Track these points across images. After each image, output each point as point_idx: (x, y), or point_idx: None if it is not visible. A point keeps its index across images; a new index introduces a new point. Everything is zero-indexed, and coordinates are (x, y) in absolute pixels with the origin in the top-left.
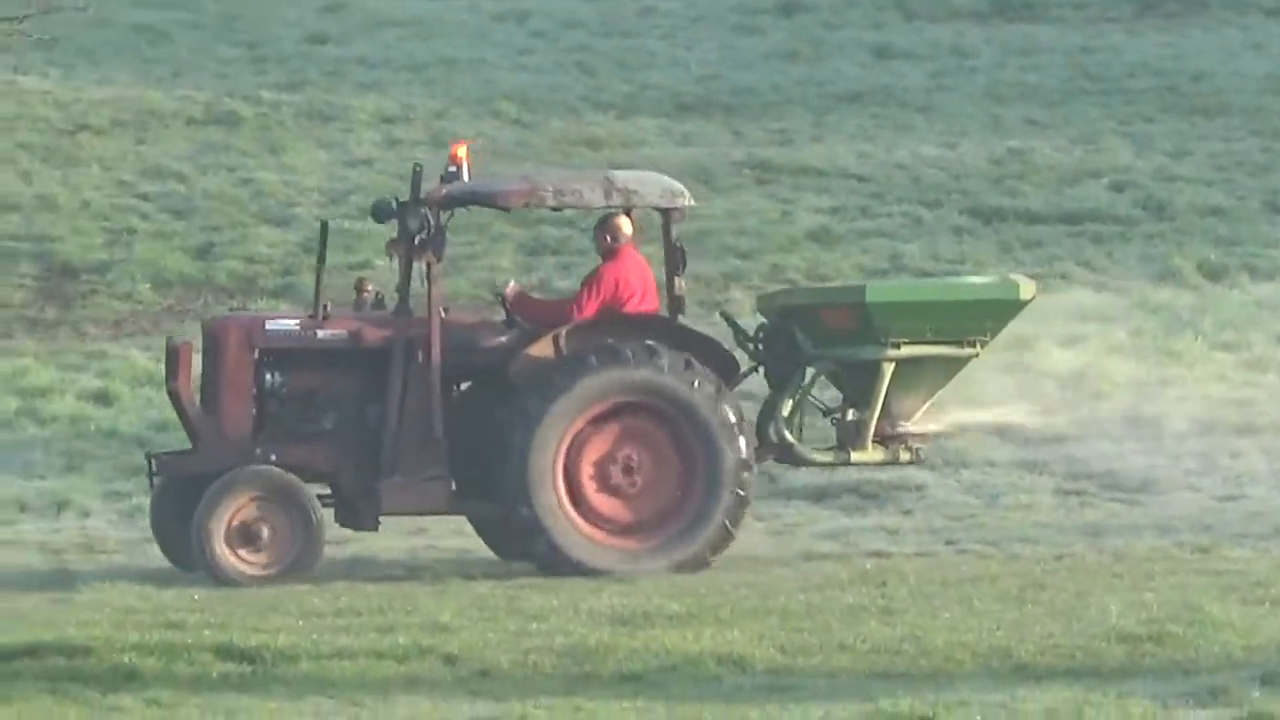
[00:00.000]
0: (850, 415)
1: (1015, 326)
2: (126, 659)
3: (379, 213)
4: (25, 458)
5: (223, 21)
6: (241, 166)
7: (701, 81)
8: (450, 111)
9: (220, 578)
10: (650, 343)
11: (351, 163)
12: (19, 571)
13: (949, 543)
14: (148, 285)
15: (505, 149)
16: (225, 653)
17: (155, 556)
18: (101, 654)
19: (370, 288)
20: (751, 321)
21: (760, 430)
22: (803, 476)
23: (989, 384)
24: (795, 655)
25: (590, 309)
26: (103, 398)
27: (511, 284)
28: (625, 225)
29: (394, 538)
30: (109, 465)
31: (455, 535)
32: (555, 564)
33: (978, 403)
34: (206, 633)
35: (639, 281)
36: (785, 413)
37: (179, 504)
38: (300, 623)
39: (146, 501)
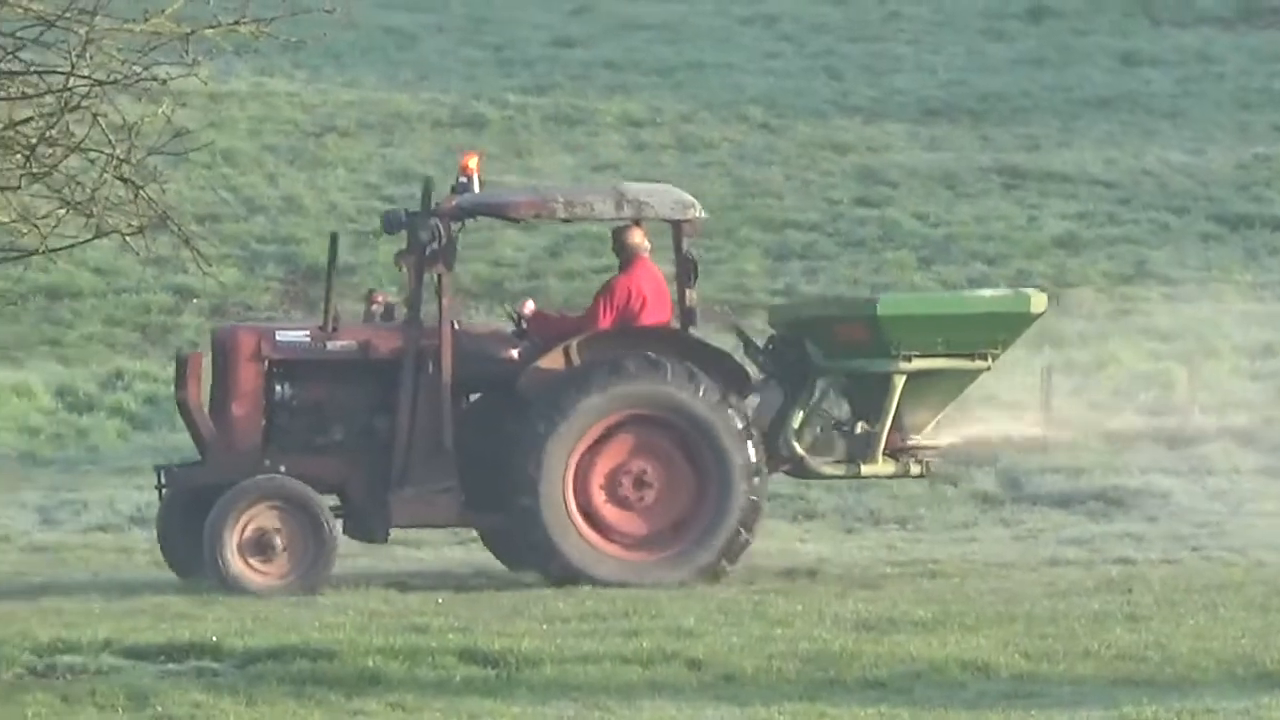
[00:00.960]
0: (860, 428)
1: (1262, 334)
2: (370, 662)
3: (389, 224)
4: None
5: (470, 24)
6: (488, 170)
7: (948, 86)
8: (697, 115)
9: (232, 587)
10: (652, 354)
11: (598, 166)
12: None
13: (1194, 549)
14: (394, 288)
15: (752, 153)
16: (469, 656)
17: (400, 559)
18: (345, 657)
19: (381, 298)
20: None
21: (770, 443)
22: (1049, 483)
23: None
24: (1040, 661)
25: (605, 321)
26: None
27: (529, 304)
28: (639, 237)
29: None
30: None
31: None
32: (566, 577)
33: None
34: (451, 636)
35: (652, 293)
36: (796, 425)
37: (186, 516)
38: (544, 627)
39: None
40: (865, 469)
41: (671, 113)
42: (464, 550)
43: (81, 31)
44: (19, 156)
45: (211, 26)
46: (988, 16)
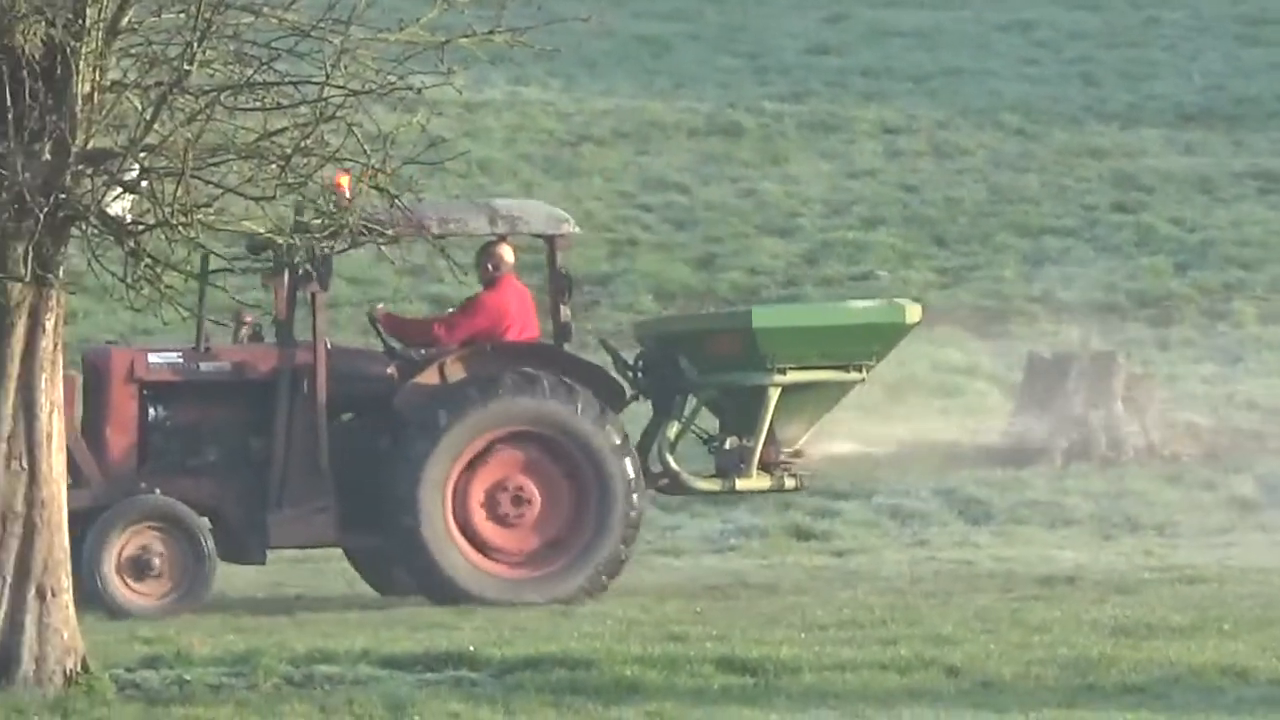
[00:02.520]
0: (730, 443)
1: None
2: (628, 671)
3: (253, 246)
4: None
5: (725, 32)
6: (744, 178)
7: (1205, 92)
8: (953, 122)
9: (112, 609)
10: (529, 370)
11: (854, 174)
12: None
13: None
14: (650, 296)
15: (1008, 159)
16: (727, 665)
17: (656, 567)
18: (603, 666)
19: (249, 319)
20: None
21: (643, 459)
22: None
23: None
24: None
25: (461, 331)
26: None
27: (380, 306)
28: (507, 254)
29: (898, 550)
30: None
31: (956, 547)
32: (445, 596)
33: None
34: (708, 645)
35: (519, 310)
36: (672, 439)
37: None
38: (803, 635)
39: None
40: (740, 484)
41: (927, 119)
42: (720, 559)
43: (336, 41)
44: (274, 167)
45: (466, 36)
46: (1244, 22)
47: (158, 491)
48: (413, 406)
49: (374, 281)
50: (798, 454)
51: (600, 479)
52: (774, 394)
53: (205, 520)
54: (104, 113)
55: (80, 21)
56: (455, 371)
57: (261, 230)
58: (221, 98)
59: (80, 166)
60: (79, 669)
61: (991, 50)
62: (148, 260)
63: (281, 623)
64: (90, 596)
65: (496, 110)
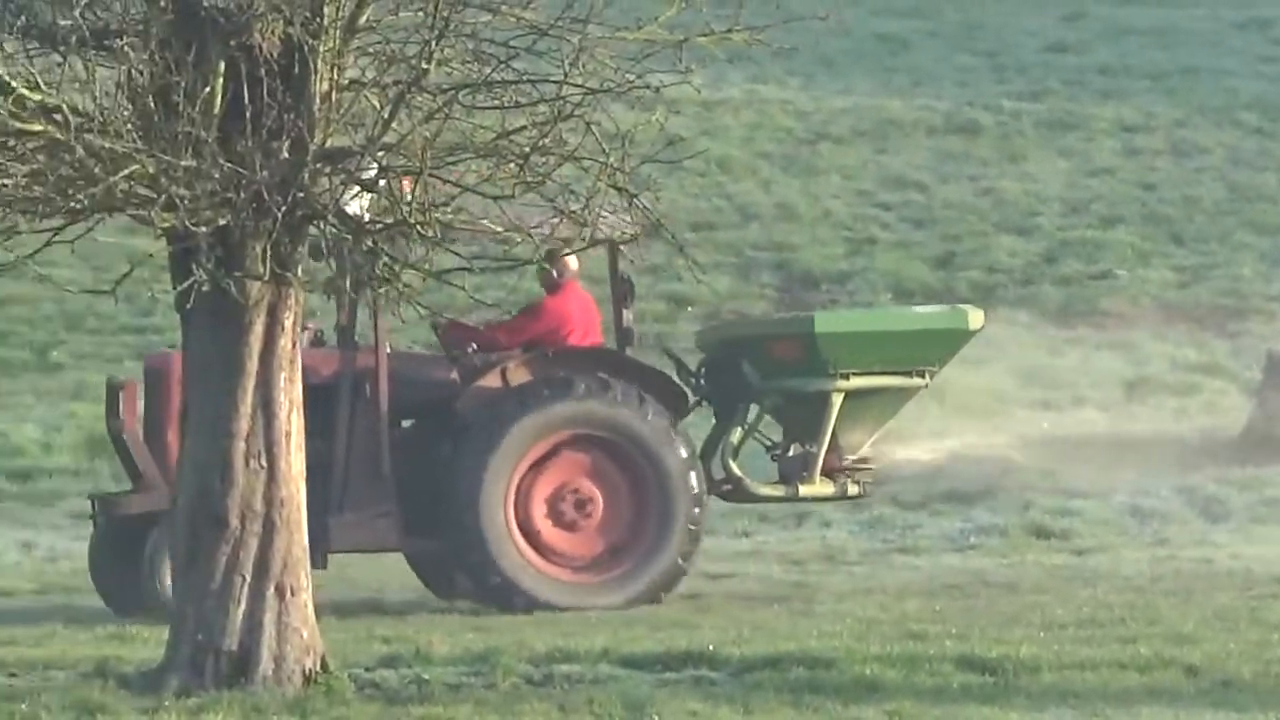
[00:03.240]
0: (793, 449)
1: None
2: (868, 670)
3: (314, 252)
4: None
5: (963, 30)
6: (982, 176)
7: None
8: (1191, 120)
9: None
10: (603, 375)
11: (1092, 171)
12: (761, 582)
13: None
14: (888, 295)
15: (1246, 157)
16: (966, 664)
17: (896, 566)
18: (843, 665)
19: (310, 325)
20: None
21: (706, 465)
22: None
23: None
24: None
25: (523, 336)
26: None
27: (444, 316)
28: (571, 259)
29: (1137, 548)
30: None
31: (1196, 545)
32: (506, 601)
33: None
34: (948, 643)
35: (582, 316)
36: (735, 445)
37: (118, 545)
38: (1042, 634)
39: (879, 514)
40: (803, 490)
41: (1165, 118)
42: (960, 558)
43: (574, 40)
44: (512, 165)
45: (704, 34)
46: None
47: None
48: (475, 410)
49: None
50: (863, 460)
51: (664, 489)
52: (837, 400)
53: None
54: (342, 111)
55: (318, 20)
56: (517, 375)
57: (499, 229)
58: (459, 96)
59: (318, 165)
60: (318, 668)
61: (1228, 48)
62: (385, 259)
63: (520, 621)
64: (150, 600)
65: (735, 108)
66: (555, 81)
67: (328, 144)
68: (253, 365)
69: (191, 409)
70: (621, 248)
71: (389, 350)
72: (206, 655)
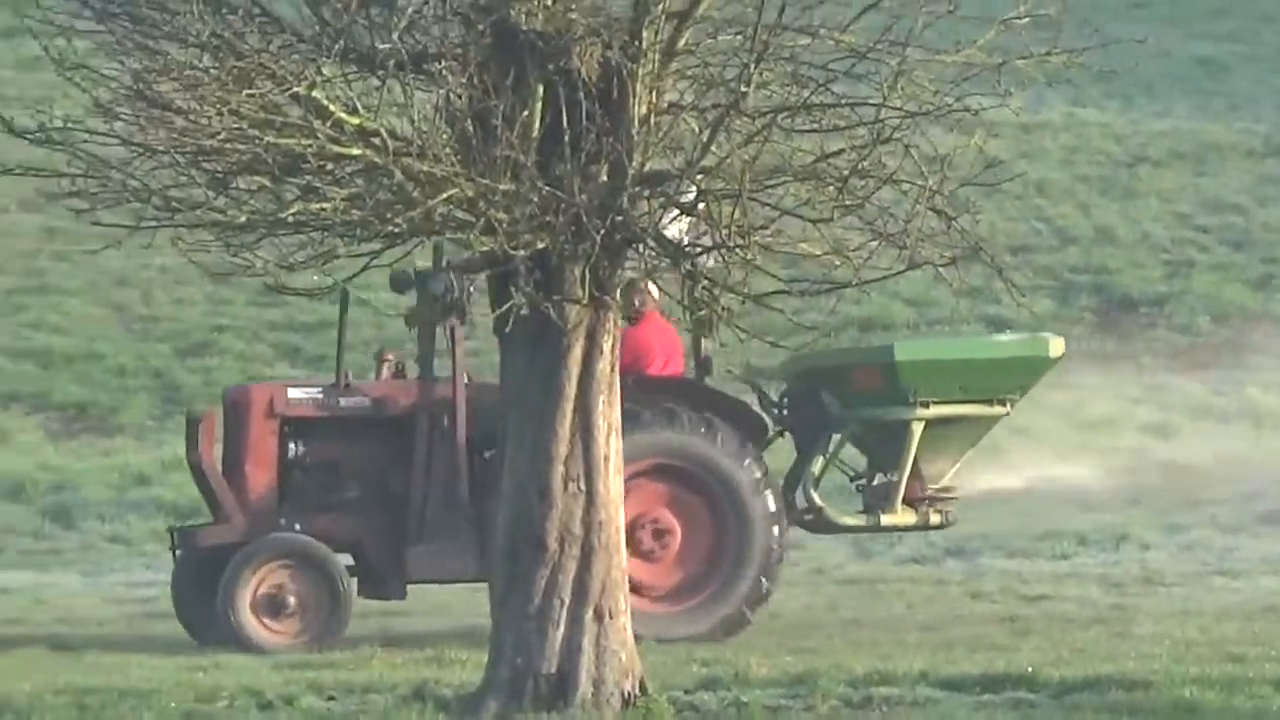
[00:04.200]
0: (876, 479)
1: None
2: (1186, 693)
3: (398, 284)
4: (1085, 490)
5: None
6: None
7: None
8: None
9: (246, 647)
10: (669, 405)
11: None
12: (1080, 604)
13: None
14: (1207, 318)
15: None
16: None
17: (1218, 587)
18: (1161, 688)
19: (390, 357)
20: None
21: (788, 495)
22: None
23: None
24: None
25: None
26: (1162, 430)
27: None
28: (652, 289)
29: None
30: (1170, 498)
31: None
32: None
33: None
34: (1267, 666)
35: (663, 346)
36: (816, 475)
37: (200, 577)
38: None
39: (1198, 536)
40: (885, 520)
41: None
42: (1276, 580)
43: (893, 63)
44: (831, 189)
45: (1023, 57)
46: None
47: (298, 528)
48: None
49: (930, 303)
50: (946, 489)
51: (739, 513)
52: (917, 428)
53: (342, 559)
54: (660, 135)
55: (637, 43)
56: None
57: (818, 252)
58: (778, 119)
59: (637, 189)
60: (636, 691)
61: None
62: (705, 282)
63: (838, 644)
64: (225, 633)
65: (1053, 131)
66: (874, 105)
67: (646, 167)
68: (571, 389)
69: (510, 432)
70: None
71: (468, 381)
72: (525, 679)
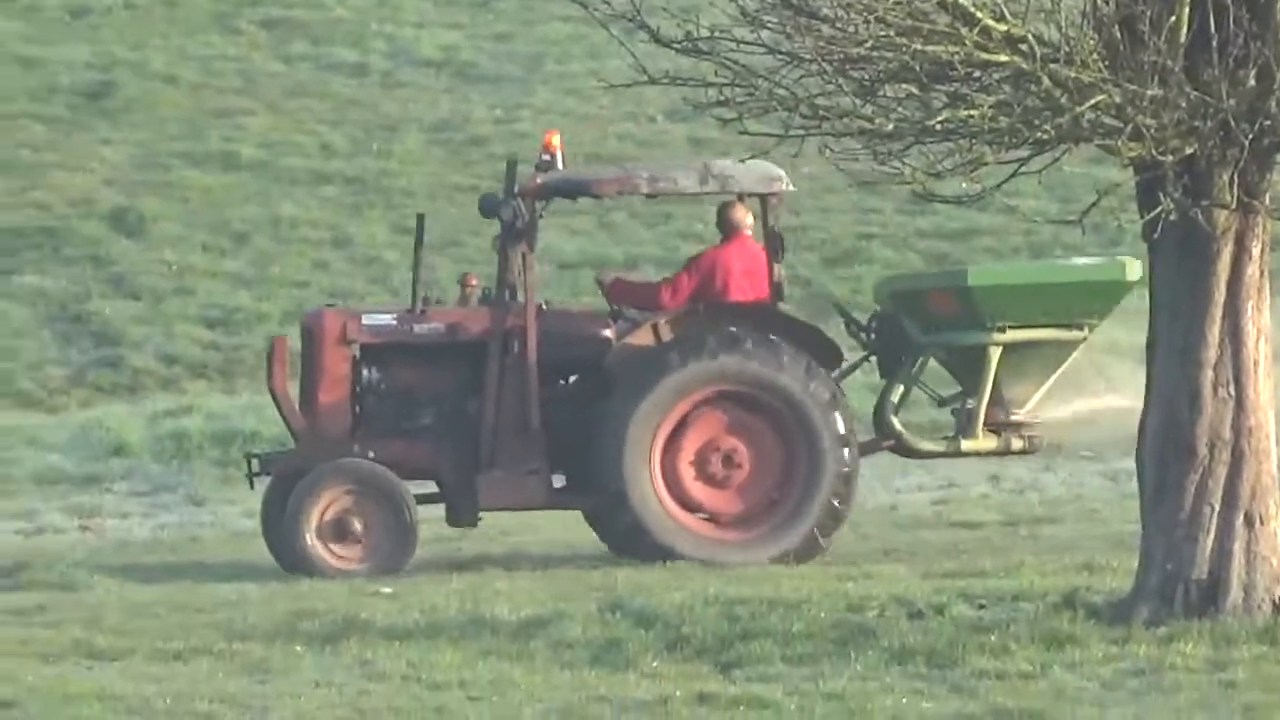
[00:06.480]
0: (960, 403)
1: None
2: None
3: (487, 208)
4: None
5: None
6: None
7: None
8: None
9: (311, 571)
10: (734, 329)
11: None
12: None
13: None
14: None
15: None
16: None
17: None
18: None
19: (475, 282)
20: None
21: (876, 419)
22: None
23: None
24: None
25: (685, 292)
26: None
27: (609, 271)
28: (740, 213)
29: None
30: None
31: None
32: (657, 557)
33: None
34: None
35: (745, 270)
36: (895, 401)
37: (284, 502)
38: None
39: None
40: (965, 445)
41: None
42: None
43: None
44: None
45: None
46: None
47: (371, 455)
48: (621, 367)
49: None
50: (1032, 415)
51: (808, 436)
52: (995, 353)
53: (415, 485)
54: None
55: None
56: (667, 332)
57: None
58: None
59: None
60: None
61: None
62: None
63: None
64: (291, 557)
65: None
66: None
67: None
68: (1220, 294)
69: (1159, 338)
70: (772, 199)
71: (544, 306)
72: (1175, 585)
